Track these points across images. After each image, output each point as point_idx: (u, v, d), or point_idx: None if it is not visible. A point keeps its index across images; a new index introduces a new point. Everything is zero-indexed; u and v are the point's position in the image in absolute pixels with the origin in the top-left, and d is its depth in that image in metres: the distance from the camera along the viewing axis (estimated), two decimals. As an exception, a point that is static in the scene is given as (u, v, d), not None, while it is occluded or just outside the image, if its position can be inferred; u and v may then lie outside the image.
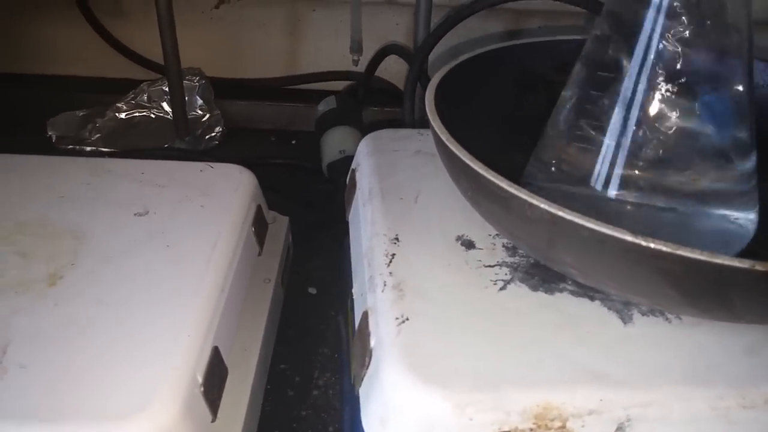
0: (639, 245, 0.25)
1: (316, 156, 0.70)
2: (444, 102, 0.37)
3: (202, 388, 0.31)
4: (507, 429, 0.25)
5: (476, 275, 0.32)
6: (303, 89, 0.80)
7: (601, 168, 0.33)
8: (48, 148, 0.67)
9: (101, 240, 0.37)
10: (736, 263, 0.24)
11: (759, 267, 0.24)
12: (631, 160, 0.32)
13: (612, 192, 0.33)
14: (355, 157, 0.45)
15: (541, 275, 0.32)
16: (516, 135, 0.42)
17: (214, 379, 0.32)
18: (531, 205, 0.27)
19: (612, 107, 0.33)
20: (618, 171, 0.32)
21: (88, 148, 0.67)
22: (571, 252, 0.28)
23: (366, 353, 0.29)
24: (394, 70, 0.79)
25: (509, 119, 0.43)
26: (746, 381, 0.27)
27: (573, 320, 0.30)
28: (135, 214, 0.39)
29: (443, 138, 0.32)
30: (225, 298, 0.36)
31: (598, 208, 0.33)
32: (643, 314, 0.30)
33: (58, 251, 0.36)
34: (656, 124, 0.32)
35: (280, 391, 0.46)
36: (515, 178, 0.29)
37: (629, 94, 0.33)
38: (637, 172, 0.33)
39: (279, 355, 0.48)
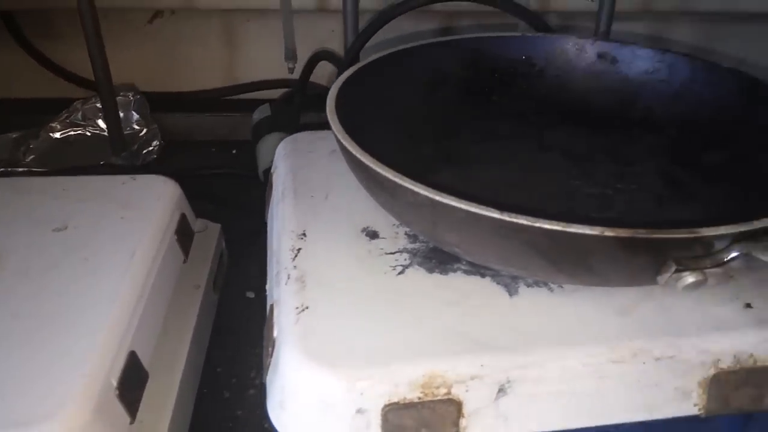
0: (504, 221, 0.27)
1: (255, 164, 0.71)
2: (351, 102, 0.39)
3: (117, 392, 0.32)
4: (396, 400, 0.27)
5: (378, 262, 0.34)
6: (241, 99, 0.81)
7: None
8: (-19, 174, 0.67)
9: (18, 257, 0.38)
10: (588, 230, 0.26)
11: (608, 232, 0.26)
12: None
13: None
14: (273, 161, 0.46)
15: (438, 258, 0.34)
16: (425, 130, 0.44)
17: (131, 383, 0.33)
18: (411, 191, 0.29)
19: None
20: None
21: (22, 171, 0.67)
22: (452, 231, 0.30)
23: (270, 343, 0.31)
24: (334, 76, 0.80)
25: (419, 116, 0.45)
26: (616, 338, 0.29)
27: (463, 296, 0.32)
28: (53, 230, 0.40)
29: (338, 135, 0.34)
30: (143, 304, 0.37)
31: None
32: (528, 286, 0.32)
33: (-24, 270, 0.37)
34: None
35: (217, 392, 0.48)
36: (422, 169, 0.30)
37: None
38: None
39: (216, 358, 0.49)
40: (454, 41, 0.48)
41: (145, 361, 0.35)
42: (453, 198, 0.28)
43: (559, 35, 0.48)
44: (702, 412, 0.29)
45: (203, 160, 0.76)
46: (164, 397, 0.37)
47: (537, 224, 0.26)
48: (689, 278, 0.26)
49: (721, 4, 0.72)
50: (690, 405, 0.30)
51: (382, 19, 0.66)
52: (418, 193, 0.29)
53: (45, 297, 0.35)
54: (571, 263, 0.28)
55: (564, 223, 0.26)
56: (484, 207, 0.27)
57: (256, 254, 0.60)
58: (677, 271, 0.26)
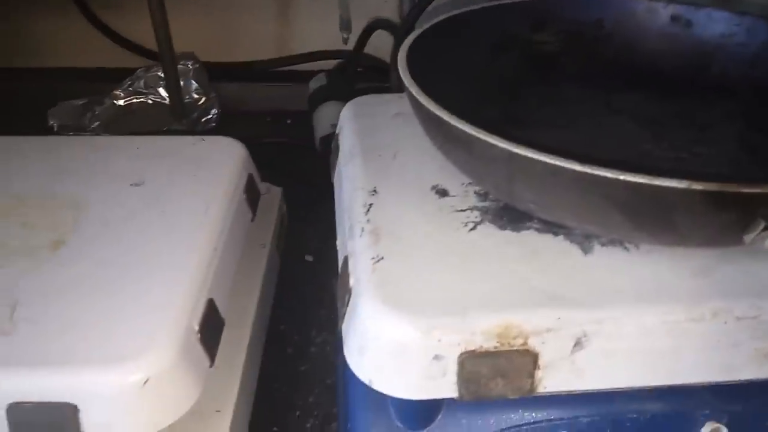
0: (586, 173, 0.27)
1: (310, 133, 0.72)
2: (418, 61, 0.39)
3: (198, 335, 0.33)
4: (473, 348, 0.28)
5: (449, 219, 0.34)
6: (295, 70, 0.82)
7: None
8: (51, 137, 0.70)
9: (100, 209, 0.40)
10: (674, 184, 0.26)
11: (696, 186, 0.26)
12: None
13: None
14: (338, 122, 0.47)
15: (509, 216, 0.34)
16: (490, 92, 0.44)
17: (211, 328, 0.35)
18: (491, 144, 0.29)
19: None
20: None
21: (89, 135, 0.69)
22: (529, 186, 0.30)
23: (346, 292, 0.32)
24: (387, 47, 0.80)
25: (485, 77, 0.45)
26: (694, 298, 0.29)
27: (536, 253, 0.32)
28: (131, 185, 0.42)
29: (412, 90, 0.34)
30: (219, 256, 0.38)
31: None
32: (603, 245, 0.32)
33: (60, 220, 0.39)
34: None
35: (280, 349, 0.49)
36: (486, 128, 0.30)
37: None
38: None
39: (279, 317, 0.50)
40: (520, 3, 0.48)
41: (221, 309, 0.36)
42: (533, 150, 0.28)
43: (629, -3, 0.47)
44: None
45: (259, 129, 0.77)
46: (238, 344, 0.38)
47: (621, 177, 0.26)
48: (778, 237, 0.26)
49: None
50: (769, 368, 0.29)
51: (441, -14, 0.65)
52: (497, 146, 0.29)
53: (126, 246, 0.37)
54: (652, 220, 0.28)
55: (649, 176, 0.26)
56: (565, 159, 0.27)
57: (313, 220, 0.61)
58: (766, 228, 0.26)
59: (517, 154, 0.28)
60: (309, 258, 0.59)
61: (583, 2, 0.47)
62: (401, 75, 0.36)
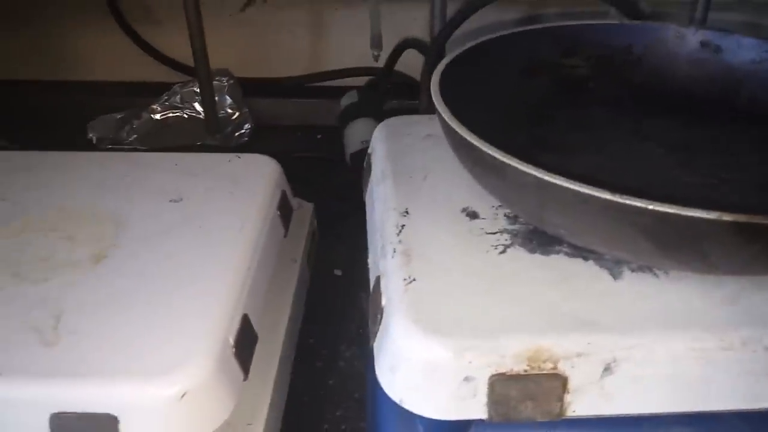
0: (616, 202, 0.27)
1: (340, 148, 0.73)
2: (450, 86, 0.40)
3: (233, 350, 0.34)
4: (503, 371, 0.28)
5: (479, 241, 0.35)
6: (327, 86, 0.83)
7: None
8: (89, 150, 0.72)
9: (140, 224, 0.41)
10: (704, 214, 0.26)
11: (726, 217, 0.26)
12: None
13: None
14: (371, 143, 0.48)
15: (539, 240, 0.35)
16: (520, 116, 0.45)
17: (245, 343, 0.36)
18: (522, 171, 0.30)
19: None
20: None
21: (127, 148, 0.71)
22: (560, 212, 0.30)
23: (378, 311, 0.32)
24: (417, 64, 0.82)
25: (515, 102, 0.46)
26: (724, 326, 0.29)
27: (566, 277, 0.32)
28: (170, 201, 0.43)
29: (445, 116, 0.35)
30: (253, 272, 0.39)
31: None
32: (633, 271, 0.33)
33: (102, 234, 0.40)
34: None
35: (309, 362, 0.50)
36: (519, 155, 0.31)
37: None
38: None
39: (308, 331, 0.51)
40: (551, 28, 0.48)
41: (254, 324, 0.37)
42: (564, 179, 0.29)
43: (659, 23, 0.48)
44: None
45: (290, 144, 0.79)
46: (269, 358, 0.39)
47: (651, 207, 0.27)
48: (807, 267, 0.26)
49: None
50: (798, 397, 0.29)
51: (472, 7, 0.66)
52: (528, 174, 0.30)
53: (165, 261, 0.38)
54: (682, 249, 0.29)
55: (679, 207, 0.26)
56: (596, 188, 0.28)
57: (343, 234, 0.62)
58: (794, 259, 0.26)
59: (547, 182, 0.29)
60: (338, 272, 0.60)
61: (613, 28, 0.47)
62: (434, 101, 0.37)
